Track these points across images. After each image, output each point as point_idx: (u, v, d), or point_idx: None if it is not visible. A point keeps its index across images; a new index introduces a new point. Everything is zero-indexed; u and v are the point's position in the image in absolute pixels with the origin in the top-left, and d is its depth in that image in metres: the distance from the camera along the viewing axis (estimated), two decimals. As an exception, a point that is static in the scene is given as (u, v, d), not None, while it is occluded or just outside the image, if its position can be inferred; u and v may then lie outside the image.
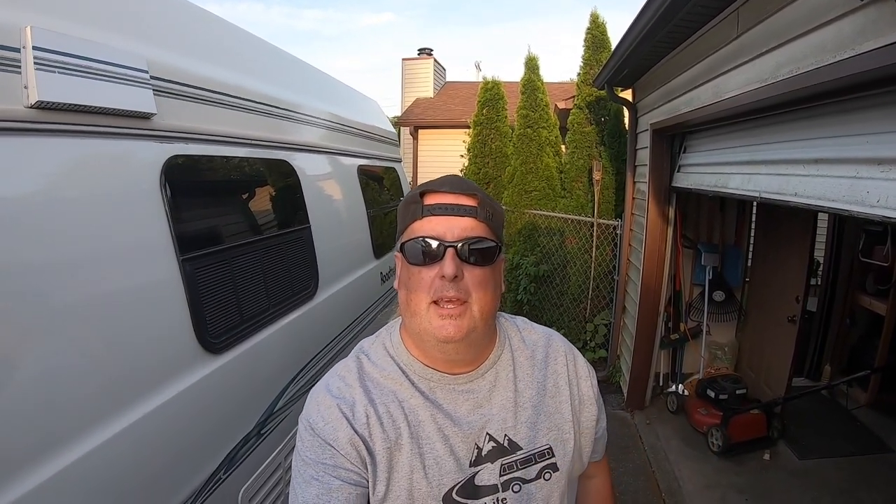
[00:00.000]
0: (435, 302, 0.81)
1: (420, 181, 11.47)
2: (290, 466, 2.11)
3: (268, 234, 2.18)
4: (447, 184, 0.86)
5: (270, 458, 1.95)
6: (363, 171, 3.55)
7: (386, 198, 4.20)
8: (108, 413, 1.25)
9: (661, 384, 4.58)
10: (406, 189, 4.83)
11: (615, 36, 5.80)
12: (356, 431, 0.83)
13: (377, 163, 4.03)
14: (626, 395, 4.53)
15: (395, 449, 0.84)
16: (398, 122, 11.68)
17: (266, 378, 1.98)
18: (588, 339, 5.56)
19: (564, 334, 1.06)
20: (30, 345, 1.11)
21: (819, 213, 3.50)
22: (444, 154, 10.83)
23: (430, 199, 0.86)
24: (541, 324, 1.05)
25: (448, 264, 0.80)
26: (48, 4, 1.27)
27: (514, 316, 1.04)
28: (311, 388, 2.38)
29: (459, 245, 0.82)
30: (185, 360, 1.54)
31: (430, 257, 0.82)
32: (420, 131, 11.97)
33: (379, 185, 4.09)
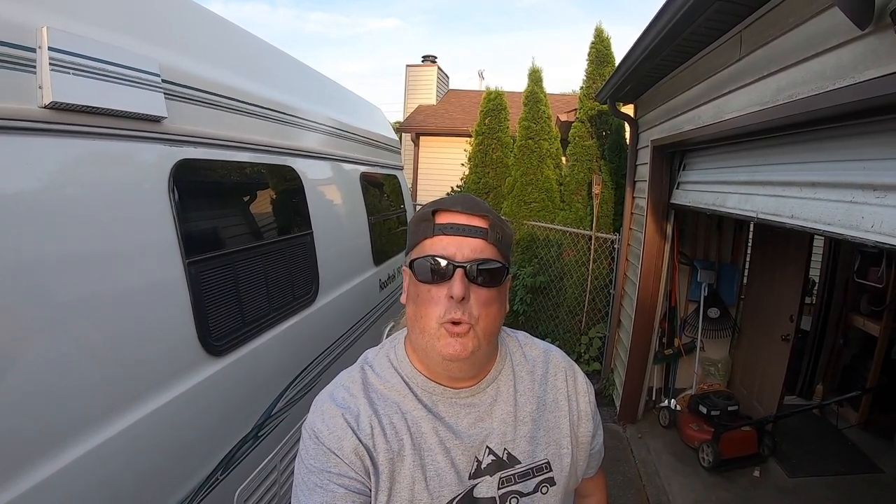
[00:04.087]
0: (443, 322, 0.83)
1: (420, 188, 11.55)
2: (286, 469, 2.11)
3: (271, 239, 2.18)
4: (460, 203, 0.87)
5: (267, 459, 1.95)
6: (365, 178, 3.56)
7: (387, 205, 4.21)
8: (111, 412, 1.26)
9: (653, 398, 4.60)
10: (407, 197, 4.84)
11: (619, 51, 5.84)
12: (360, 441, 0.83)
13: (379, 170, 4.05)
14: (618, 408, 4.54)
15: (397, 459, 0.84)
16: (400, 129, 11.72)
17: (265, 381, 1.99)
18: (582, 351, 5.56)
19: (559, 346, 1.06)
20: (34, 342, 1.11)
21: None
22: (444, 162, 10.88)
23: (443, 219, 0.87)
24: (536, 335, 1.06)
25: (457, 285, 0.81)
26: (64, 6, 1.28)
27: (515, 330, 1.04)
28: (308, 392, 2.37)
29: (468, 266, 0.83)
30: (188, 361, 1.55)
31: (438, 276, 0.83)
32: (422, 138, 12.01)
33: (380, 193, 4.10)
